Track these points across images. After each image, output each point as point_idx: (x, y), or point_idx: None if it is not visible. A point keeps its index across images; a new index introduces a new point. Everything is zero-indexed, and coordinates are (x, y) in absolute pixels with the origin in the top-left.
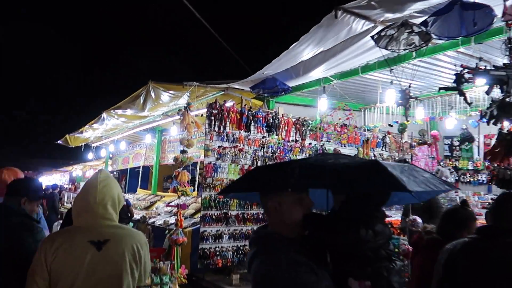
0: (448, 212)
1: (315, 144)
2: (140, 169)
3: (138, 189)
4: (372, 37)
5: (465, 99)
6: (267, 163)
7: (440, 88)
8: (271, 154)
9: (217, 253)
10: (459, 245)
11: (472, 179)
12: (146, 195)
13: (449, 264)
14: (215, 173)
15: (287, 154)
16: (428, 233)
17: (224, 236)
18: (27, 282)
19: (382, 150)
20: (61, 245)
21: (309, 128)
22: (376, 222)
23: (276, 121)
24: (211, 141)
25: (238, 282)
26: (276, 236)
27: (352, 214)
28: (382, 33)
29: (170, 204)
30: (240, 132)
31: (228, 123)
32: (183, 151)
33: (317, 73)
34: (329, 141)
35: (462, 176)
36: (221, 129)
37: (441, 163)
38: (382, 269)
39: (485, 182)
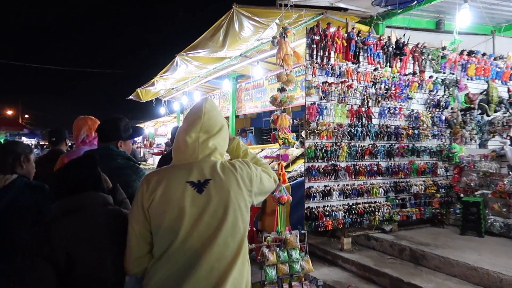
0: None
1: (436, 78)
2: None
3: None
4: None
5: None
6: (380, 102)
7: None
8: (384, 91)
9: (326, 213)
10: None
11: None
12: None
13: None
14: (320, 116)
15: (404, 91)
16: None
17: (334, 192)
18: (128, 229)
19: None
20: (157, 188)
21: (429, 56)
22: None
23: (391, 49)
24: (313, 76)
25: (350, 246)
26: None
27: None
28: None
29: (267, 156)
30: (347, 64)
31: (333, 52)
32: (281, 89)
33: None
34: (453, 73)
35: None
36: (325, 60)
37: None
38: None
39: None
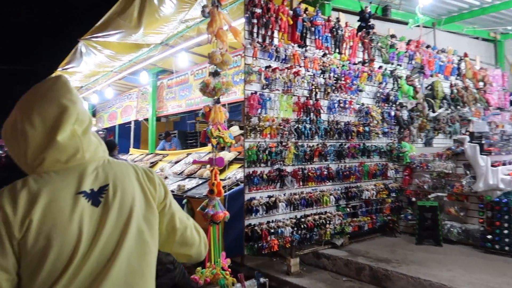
0: None
1: (385, 69)
2: (132, 125)
3: (131, 149)
4: None
5: None
6: (329, 94)
7: None
8: (334, 81)
9: (271, 230)
10: None
11: None
12: (143, 155)
13: None
14: (263, 109)
15: (354, 82)
16: None
17: (280, 204)
18: None
19: (456, 79)
20: (33, 209)
21: (378, 44)
22: None
23: (340, 32)
24: (254, 59)
25: (298, 268)
26: None
27: None
28: None
29: (196, 160)
30: (293, 47)
31: (277, 31)
32: (215, 73)
33: None
34: (400, 65)
35: None
36: (267, 40)
37: None
38: None
39: None
